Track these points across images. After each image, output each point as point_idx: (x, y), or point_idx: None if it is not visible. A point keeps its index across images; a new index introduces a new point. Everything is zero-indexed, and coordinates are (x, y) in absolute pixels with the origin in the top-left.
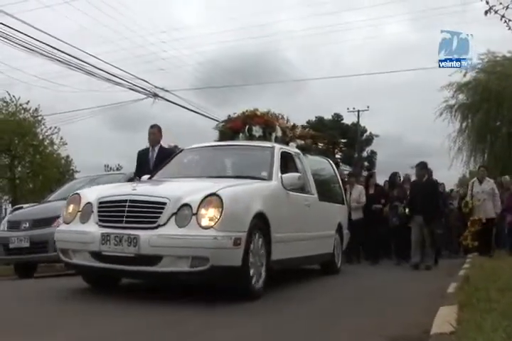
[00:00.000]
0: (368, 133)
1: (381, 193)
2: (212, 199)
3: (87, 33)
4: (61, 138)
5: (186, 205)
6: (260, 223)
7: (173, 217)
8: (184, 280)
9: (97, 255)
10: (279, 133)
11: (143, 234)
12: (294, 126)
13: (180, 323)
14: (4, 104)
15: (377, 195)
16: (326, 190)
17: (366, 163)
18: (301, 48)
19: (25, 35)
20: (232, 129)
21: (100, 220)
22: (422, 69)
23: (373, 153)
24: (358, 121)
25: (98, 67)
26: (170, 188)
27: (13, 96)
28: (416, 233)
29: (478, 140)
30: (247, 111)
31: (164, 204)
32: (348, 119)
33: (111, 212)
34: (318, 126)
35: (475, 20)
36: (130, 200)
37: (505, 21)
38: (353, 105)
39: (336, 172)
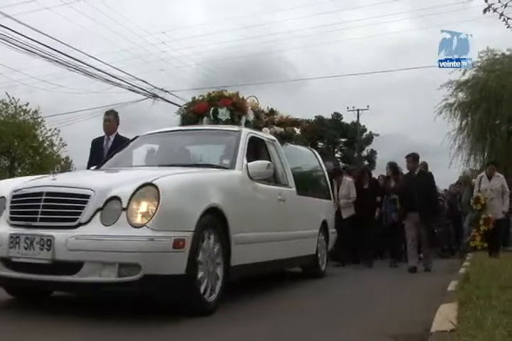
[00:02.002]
0: (367, 132)
1: (377, 187)
2: (146, 190)
3: (87, 34)
4: (61, 140)
5: (115, 198)
6: (215, 220)
7: (99, 213)
8: (112, 292)
9: (6, 261)
10: (251, 117)
11: (59, 235)
12: (273, 112)
13: None
14: (4, 106)
15: (373, 189)
16: (309, 184)
17: (366, 162)
18: (301, 48)
19: (26, 37)
20: (195, 112)
21: (12, 218)
22: (422, 68)
23: (373, 152)
24: (358, 120)
25: (98, 68)
26: (98, 178)
27: (13, 98)
28: (411, 233)
29: (477, 138)
30: (213, 92)
31: (87, 197)
32: (348, 118)
33: (24, 207)
34: (318, 125)
35: (475, 19)
36: (46, 193)
37: (504, 19)
38: (352, 104)
39: (322, 164)
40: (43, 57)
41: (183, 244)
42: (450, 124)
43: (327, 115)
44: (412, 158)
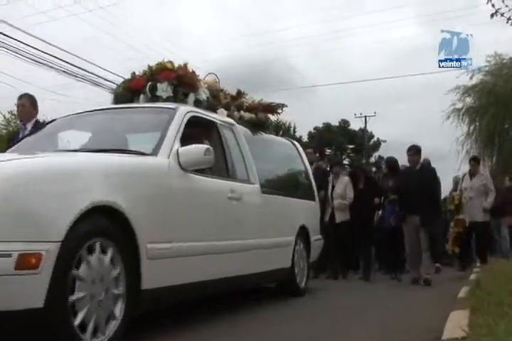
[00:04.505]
0: (375, 138)
1: (374, 187)
2: None
3: (94, 44)
4: None
5: None
6: (110, 225)
7: None
8: None
9: None
10: (204, 95)
11: None
12: (240, 94)
13: None
14: (13, 117)
15: (370, 189)
16: (284, 180)
17: (374, 168)
18: (309, 54)
19: (34, 48)
20: (131, 90)
21: None
22: (430, 74)
23: (381, 159)
24: (365, 127)
25: (105, 78)
26: None
27: None
28: (411, 239)
29: (485, 143)
30: (158, 64)
31: None
32: (355, 125)
33: None
34: (326, 132)
35: (483, 23)
36: None
37: None
38: (360, 111)
39: (304, 159)
40: (51, 67)
41: (37, 262)
42: (458, 129)
43: (334, 122)
44: (415, 151)
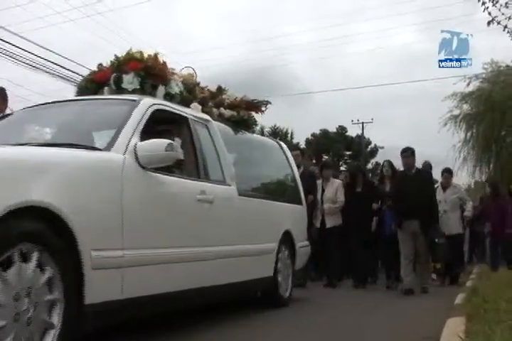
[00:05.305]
0: (372, 145)
1: (373, 191)
2: None
3: (91, 49)
4: None
5: None
6: (39, 230)
7: None
8: None
9: None
10: (176, 89)
11: None
12: (221, 90)
13: None
14: None
15: (368, 193)
16: (267, 183)
17: (371, 175)
18: (307, 61)
19: (30, 53)
20: (96, 82)
21: None
22: (427, 81)
23: (378, 165)
24: (363, 133)
25: None
26: None
27: None
28: (407, 245)
29: (483, 150)
30: (126, 53)
31: None
32: (353, 131)
33: None
34: (323, 138)
35: (481, 31)
36: None
37: (508, 31)
38: (357, 117)
39: (291, 161)
40: (47, 72)
41: None
42: (455, 136)
43: (332, 128)
44: (410, 153)
